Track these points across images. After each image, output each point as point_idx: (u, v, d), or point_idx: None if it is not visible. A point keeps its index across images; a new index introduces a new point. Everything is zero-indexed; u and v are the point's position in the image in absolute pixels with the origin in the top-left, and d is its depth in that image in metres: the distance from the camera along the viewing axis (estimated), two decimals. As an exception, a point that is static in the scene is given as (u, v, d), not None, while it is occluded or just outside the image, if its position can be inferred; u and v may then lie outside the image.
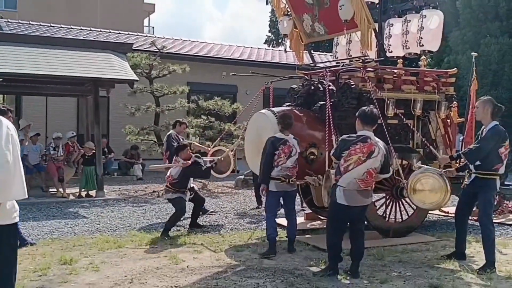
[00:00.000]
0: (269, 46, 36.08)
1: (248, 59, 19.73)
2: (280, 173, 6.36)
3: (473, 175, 5.96)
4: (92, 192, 11.37)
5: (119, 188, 12.76)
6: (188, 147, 8.08)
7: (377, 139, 5.43)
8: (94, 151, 11.43)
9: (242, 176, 13.44)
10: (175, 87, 14.19)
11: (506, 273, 5.65)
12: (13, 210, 3.41)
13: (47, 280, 5.08)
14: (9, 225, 3.37)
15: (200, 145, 9.92)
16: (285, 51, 17.97)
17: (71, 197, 11.20)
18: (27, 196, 3.45)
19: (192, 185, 8.07)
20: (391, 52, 8.45)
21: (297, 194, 7.18)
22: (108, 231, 7.79)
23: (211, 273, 5.56)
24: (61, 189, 11.25)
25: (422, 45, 7.87)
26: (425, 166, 6.55)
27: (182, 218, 8.45)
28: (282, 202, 6.69)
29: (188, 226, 8.04)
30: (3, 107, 6.03)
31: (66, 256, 6.02)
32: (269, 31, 43.38)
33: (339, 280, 5.31)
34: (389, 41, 8.43)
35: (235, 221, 8.75)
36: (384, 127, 6.61)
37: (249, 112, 8.69)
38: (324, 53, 23.01)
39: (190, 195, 7.96)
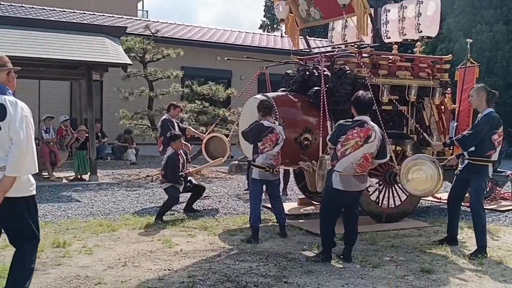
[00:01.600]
0: (264, 31, 35.88)
1: (243, 44, 19.62)
2: (265, 162, 6.39)
3: (465, 161, 6.01)
4: (86, 176, 11.35)
5: (113, 173, 12.74)
6: (181, 138, 8.03)
7: (373, 123, 5.44)
8: (87, 135, 11.40)
9: (236, 162, 13.45)
10: (169, 71, 14.11)
11: (498, 258, 5.70)
12: (28, 183, 3.75)
13: (40, 263, 5.07)
14: (26, 197, 3.72)
15: (195, 131, 9.90)
16: (281, 36, 17.90)
17: (64, 181, 11.18)
18: (37, 171, 3.78)
19: (189, 178, 8.03)
20: (389, 38, 8.43)
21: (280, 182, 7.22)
22: (102, 215, 7.79)
23: (204, 257, 5.58)
24: (53, 173, 11.23)
25: (421, 31, 7.86)
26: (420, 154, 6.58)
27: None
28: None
29: (182, 210, 8.04)
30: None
31: (59, 239, 6.02)
32: (264, 16, 43.12)
33: (332, 265, 5.34)
34: (386, 27, 8.41)
35: (228, 205, 8.77)
36: (379, 113, 6.61)
37: (243, 98, 8.66)
38: (319, 39, 22.91)
39: (187, 186, 7.94)
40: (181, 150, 7.97)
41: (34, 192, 3.84)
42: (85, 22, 16.87)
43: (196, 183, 8.22)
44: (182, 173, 7.79)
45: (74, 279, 4.74)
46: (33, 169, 3.73)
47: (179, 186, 7.72)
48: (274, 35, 24.31)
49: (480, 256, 5.66)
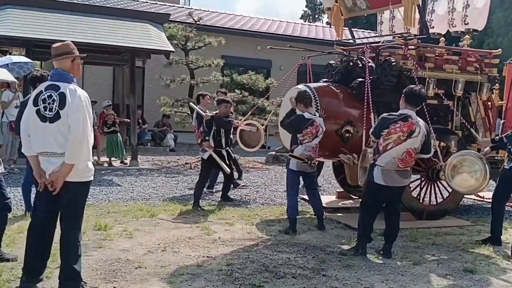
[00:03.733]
0: (305, 21, 35.57)
1: (284, 33, 19.48)
2: (304, 153, 6.33)
3: (512, 160, 5.81)
4: (127, 161, 11.52)
5: (152, 159, 12.91)
6: (227, 102, 7.99)
7: (418, 118, 5.30)
8: (115, 120, 11.52)
9: (274, 152, 13.42)
10: (210, 60, 14.13)
11: (543, 261, 5.51)
12: (87, 169, 3.93)
13: (82, 245, 5.15)
14: (83, 182, 3.94)
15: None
16: (328, 24, 17.62)
17: (105, 165, 11.39)
18: (90, 160, 3.97)
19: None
20: (433, 28, 8.19)
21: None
22: (142, 200, 7.90)
23: (242, 246, 5.59)
24: (95, 157, 11.44)
25: (467, 23, 7.63)
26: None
27: (214, 191, 8.52)
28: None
29: (220, 199, 8.08)
30: (44, 72, 6.12)
31: (100, 222, 6.14)
32: (306, 6, 42.77)
33: (371, 260, 5.27)
34: (431, 17, 8.18)
35: (266, 196, 8.76)
36: (424, 107, 6.44)
37: (282, 88, 8.59)
38: (362, 30, 22.56)
39: (231, 157, 7.94)
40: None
41: (92, 178, 4.02)
42: (129, 8, 17.07)
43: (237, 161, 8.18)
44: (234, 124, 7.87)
45: (115, 262, 4.82)
46: (89, 157, 3.90)
47: (223, 151, 7.70)
48: (316, 25, 24.07)
49: None
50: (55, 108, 3.79)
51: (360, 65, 7.44)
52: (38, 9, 11.34)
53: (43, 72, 6.14)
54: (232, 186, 9.03)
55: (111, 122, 11.54)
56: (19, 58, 10.21)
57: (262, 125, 8.82)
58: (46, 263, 4.16)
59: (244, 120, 8.92)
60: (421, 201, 7.32)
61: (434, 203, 7.39)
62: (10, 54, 11.94)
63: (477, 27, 7.83)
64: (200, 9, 20.88)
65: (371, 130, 5.58)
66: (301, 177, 6.57)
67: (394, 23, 8.64)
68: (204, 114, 7.93)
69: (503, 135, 6.22)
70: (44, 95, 3.85)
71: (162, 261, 4.92)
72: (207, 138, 7.73)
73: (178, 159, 13.07)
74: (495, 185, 6.35)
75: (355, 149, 6.82)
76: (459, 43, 8.67)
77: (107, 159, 11.53)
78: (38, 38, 10.50)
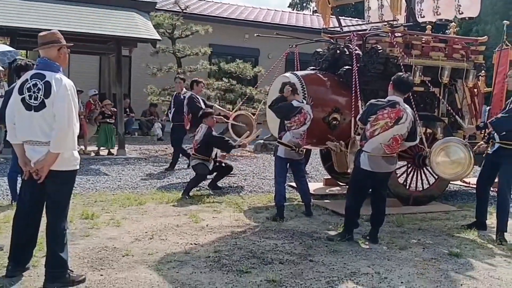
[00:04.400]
0: (293, 10, 35.48)
1: (272, 21, 19.44)
2: (292, 140, 6.35)
3: (496, 145, 5.88)
4: (113, 151, 11.47)
5: (140, 148, 12.85)
6: (213, 114, 8.02)
7: (406, 105, 5.33)
8: (114, 109, 11.49)
9: (262, 141, 13.42)
10: (197, 48, 14.08)
11: (527, 245, 5.60)
12: (72, 158, 3.93)
13: (69, 234, 5.13)
14: (69, 171, 3.93)
15: (221, 109, 9.88)
16: (312, 14, 17.64)
17: (92, 154, 11.32)
18: (76, 149, 3.95)
19: (218, 158, 8.05)
20: (423, 17, 8.21)
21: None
22: (129, 189, 7.88)
23: (230, 233, 5.61)
24: (82, 146, 11.37)
25: (462, 12, 7.65)
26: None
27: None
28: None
29: (207, 187, 8.09)
30: (28, 61, 6.05)
31: (88, 211, 6.12)
32: (294, -5, 42.64)
33: (358, 245, 5.32)
34: (420, 6, 8.19)
35: (254, 183, 8.77)
36: (410, 94, 6.47)
37: (271, 76, 8.59)
38: (350, 18, 22.55)
39: (216, 166, 7.96)
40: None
41: (77, 167, 4.03)
42: (115, -3, 16.89)
43: (225, 164, 8.22)
44: (238, 142, 7.93)
45: (102, 250, 4.82)
46: (74, 146, 3.90)
47: (209, 164, 7.75)
48: (304, 14, 24.04)
49: (501, 239, 5.61)
50: (40, 97, 3.78)
51: (347, 52, 7.46)
52: (24, -2, 11.21)
53: (28, 61, 6.07)
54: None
55: (109, 112, 11.47)
56: (1, 47, 10.08)
57: (253, 114, 8.83)
58: (32, 252, 4.16)
59: (235, 111, 8.94)
60: (407, 187, 7.38)
61: (421, 189, 7.46)
62: (-6, 43, 11.79)
63: (471, 14, 7.84)
64: (187, -3, 20.71)
65: (358, 116, 5.60)
66: (288, 164, 6.59)
67: (383, 11, 8.64)
68: (238, 140, 8.12)
69: (487, 121, 6.27)
70: (29, 83, 3.83)
71: (150, 248, 4.92)
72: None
73: (166, 148, 13.01)
74: (479, 171, 6.41)
75: (342, 136, 6.86)
76: (446, 31, 8.68)
77: (96, 149, 11.47)
78: (23, 27, 10.37)
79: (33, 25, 10.17)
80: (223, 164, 8.18)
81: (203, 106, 8.89)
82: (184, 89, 9.89)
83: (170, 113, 10.09)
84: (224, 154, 8.23)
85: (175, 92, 10.21)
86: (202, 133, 7.74)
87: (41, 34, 3.98)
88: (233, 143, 7.99)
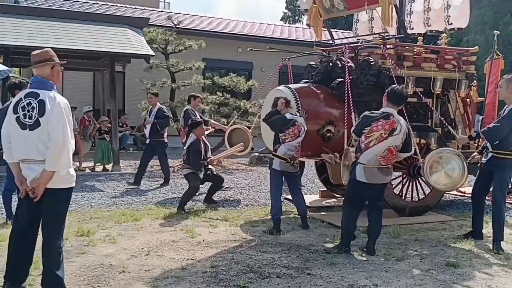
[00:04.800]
0: (285, 23, 35.71)
1: (264, 35, 19.53)
2: (287, 153, 6.37)
3: (489, 154, 5.91)
4: (108, 167, 11.45)
5: (135, 163, 12.75)
6: (202, 124, 8.04)
7: (399, 117, 5.37)
8: (110, 125, 11.50)
9: (257, 154, 13.43)
10: (190, 63, 14.11)
11: (524, 253, 5.61)
12: (68, 176, 3.93)
13: (64, 251, 5.11)
14: (65, 189, 3.92)
15: (217, 123, 9.91)
16: (308, 25, 17.72)
17: (87, 170, 11.29)
18: (71, 167, 3.94)
19: (210, 167, 8.06)
20: (412, 29, 8.31)
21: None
22: (125, 205, 7.86)
23: (227, 247, 5.59)
24: (77, 163, 11.34)
25: (451, 23, 7.75)
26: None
27: (198, 193, 8.50)
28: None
29: (203, 202, 8.07)
30: (22, 79, 6.07)
31: (83, 228, 6.09)
32: (286, 8, 42.93)
33: (355, 257, 5.31)
34: (410, 18, 8.30)
35: (250, 197, 8.77)
36: (403, 105, 6.51)
37: (264, 90, 8.63)
38: (342, 31, 22.71)
39: (207, 174, 7.96)
40: (203, 138, 7.99)
41: (73, 184, 4.02)
42: (108, 13, 16.98)
43: (216, 173, 8.24)
44: (205, 161, 7.82)
45: (99, 267, 4.79)
46: (70, 164, 3.89)
47: (199, 173, 7.75)
48: (296, 27, 24.18)
49: (497, 248, 5.63)
50: (35, 116, 3.79)
51: (340, 65, 7.51)
52: (16, 16, 11.24)
53: (22, 79, 6.10)
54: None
55: (105, 128, 11.48)
56: None
57: (248, 127, 8.87)
58: (29, 270, 4.13)
59: (230, 126, 8.98)
60: (403, 197, 7.40)
61: (416, 199, 7.48)
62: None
63: (460, 25, 7.95)
64: (180, 13, 20.83)
65: (353, 128, 5.63)
66: (283, 177, 6.59)
67: (373, 24, 8.73)
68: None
69: (480, 131, 6.31)
70: (23, 102, 3.84)
71: (146, 265, 4.90)
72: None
73: (161, 163, 12.99)
74: (475, 180, 6.43)
75: (336, 148, 6.88)
76: (437, 42, 8.78)
77: (91, 165, 11.44)
78: (16, 45, 10.39)
79: (26, 42, 10.19)
80: (215, 173, 8.17)
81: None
82: (159, 104, 9.85)
83: (145, 128, 10.05)
84: (212, 157, 8.17)
85: (150, 108, 10.12)
86: (189, 142, 7.76)
87: (34, 52, 4.00)
88: (203, 165, 7.84)
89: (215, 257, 5.21)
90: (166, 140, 9.78)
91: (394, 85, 5.60)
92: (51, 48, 4.15)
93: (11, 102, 4.58)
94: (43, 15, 11.71)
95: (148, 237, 5.90)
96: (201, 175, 7.84)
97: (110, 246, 5.53)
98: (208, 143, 8.16)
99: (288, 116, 6.38)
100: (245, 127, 8.89)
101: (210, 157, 8.08)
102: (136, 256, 5.20)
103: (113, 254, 5.24)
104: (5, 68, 9.81)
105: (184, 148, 7.93)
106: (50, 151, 3.75)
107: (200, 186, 7.93)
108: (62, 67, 4.13)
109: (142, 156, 9.96)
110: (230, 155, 8.54)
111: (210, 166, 8.07)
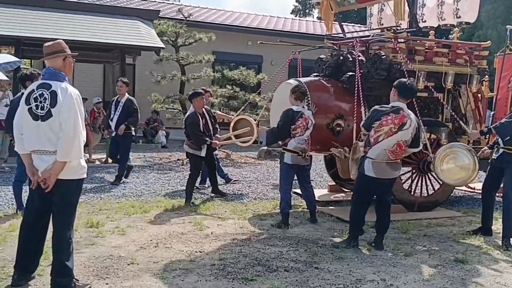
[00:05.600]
0: (296, 16, 35.57)
1: (274, 28, 19.46)
2: (297, 146, 6.34)
3: (500, 150, 5.87)
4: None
5: (144, 155, 12.87)
6: (202, 95, 7.84)
7: (409, 111, 5.33)
8: None
9: (266, 147, 13.43)
10: (200, 56, 14.11)
11: (534, 250, 5.57)
12: (79, 167, 3.97)
13: (74, 242, 5.14)
14: (76, 180, 3.96)
15: (224, 114, 9.88)
16: (316, 20, 17.64)
17: (97, 162, 11.35)
18: (82, 157, 4.00)
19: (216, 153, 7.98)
20: (425, 22, 8.22)
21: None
22: (134, 197, 7.90)
23: (235, 240, 5.60)
24: (86, 154, 11.39)
25: (459, 17, 7.66)
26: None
27: (207, 185, 8.52)
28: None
29: (211, 194, 8.09)
30: (33, 71, 6.10)
31: (92, 219, 6.12)
32: (296, 1, 42.77)
33: (363, 252, 5.30)
34: (422, 11, 8.22)
35: (258, 190, 8.77)
36: (414, 99, 6.47)
37: (274, 83, 8.60)
38: (352, 24, 22.58)
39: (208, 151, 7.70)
40: (204, 110, 7.80)
41: (84, 176, 4.06)
42: (119, 5, 17.01)
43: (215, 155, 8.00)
44: (208, 141, 7.55)
45: (107, 259, 4.82)
46: (81, 155, 3.94)
47: (200, 152, 7.55)
48: (306, 20, 24.08)
49: (507, 245, 5.59)
50: (47, 107, 3.81)
51: (350, 59, 7.46)
52: (27, 7, 11.31)
53: (33, 71, 6.13)
54: (224, 181, 9.10)
55: None
56: (4, 57, 10.13)
57: (255, 120, 8.84)
58: (39, 260, 4.17)
59: (237, 116, 8.93)
60: (412, 193, 7.37)
61: (425, 194, 7.45)
62: (-1, 52, 11.88)
63: (468, 19, 7.86)
64: (190, 5, 20.82)
65: (362, 122, 5.60)
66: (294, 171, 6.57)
67: (382, 16, 8.66)
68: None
69: (491, 126, 6.26)
70: (35, 93, 3.87)
71: (155, 257, 4.92)
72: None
73: (170, 156, 13.05)
74: (485, 176, 6.39)
75: (346, 142, 6.85)
76: (449, 36, 8.70)
77: (100, 157, 11.48)
78: (27, 36, 10.45)
79: (37, 34, 10.27)
80: (215, 154, 7.97)
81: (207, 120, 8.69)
82: (127, 94, 9.13)
83: (111, 121, 8.99)
84: (217, 141, 7.81)
85: (116, 98, 9.25)
86: (187, 114, 7.64)
87: (46, 44, 4.02)
88: (206, 139, 7.55)
89: (223, 249, 5.23)
90: (134, 133, 9.28)
91: (403, 79, 5.54)
92: (62, 39, 4.17)
93: (22, 93, 4.61)
94: (54, 6, 11.76)
95: (157, 229, 5.93)
96: (203, 152, 7.58)
97: (119, 237, 5.57)
98: (212, 125, 7.89)
99: (294, 108, 6.35)
100: (251, 118, 8.84)
101: (215, 141, 7.74)
102: (145, 248, 5.22)
103: (122, 245, 5.27)
104: (15, 59, 9.87)
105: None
106: (62, 141, 3.78)
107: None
108: (74, 59, 4.15)
109: (108, 151, 9.25)
110: (233, 142, 8.35)
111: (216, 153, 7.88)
